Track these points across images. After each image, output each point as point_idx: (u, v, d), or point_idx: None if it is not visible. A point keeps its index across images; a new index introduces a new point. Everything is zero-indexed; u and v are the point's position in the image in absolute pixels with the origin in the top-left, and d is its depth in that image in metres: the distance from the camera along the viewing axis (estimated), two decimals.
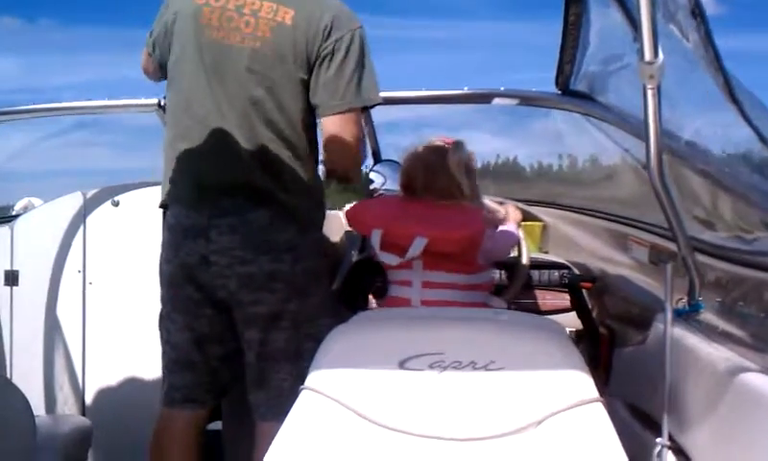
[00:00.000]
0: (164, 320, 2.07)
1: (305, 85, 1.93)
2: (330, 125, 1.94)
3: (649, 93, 1.22)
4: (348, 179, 2.17)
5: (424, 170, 2.09)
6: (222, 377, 2.07)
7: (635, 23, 1.22)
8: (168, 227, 2.03)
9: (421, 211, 2.07)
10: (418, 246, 1.94)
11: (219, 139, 1.92)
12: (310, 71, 1.91)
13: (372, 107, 2.04)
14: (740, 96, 1.25)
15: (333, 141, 1.95)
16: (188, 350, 2.02)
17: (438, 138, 2.19)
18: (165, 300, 2.06)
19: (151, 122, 2.85)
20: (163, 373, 2.10)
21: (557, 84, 2.38)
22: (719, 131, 1.60)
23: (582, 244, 2.73)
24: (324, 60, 1.89)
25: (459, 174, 2.07)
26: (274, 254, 1.90)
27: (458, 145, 2.13)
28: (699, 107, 1.58)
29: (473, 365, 1.35)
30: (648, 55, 1.16)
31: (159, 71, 2.13)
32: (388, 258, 2.01)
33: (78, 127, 3.45)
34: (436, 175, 2.07)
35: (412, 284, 2.02)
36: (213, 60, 1.93)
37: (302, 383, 1.83)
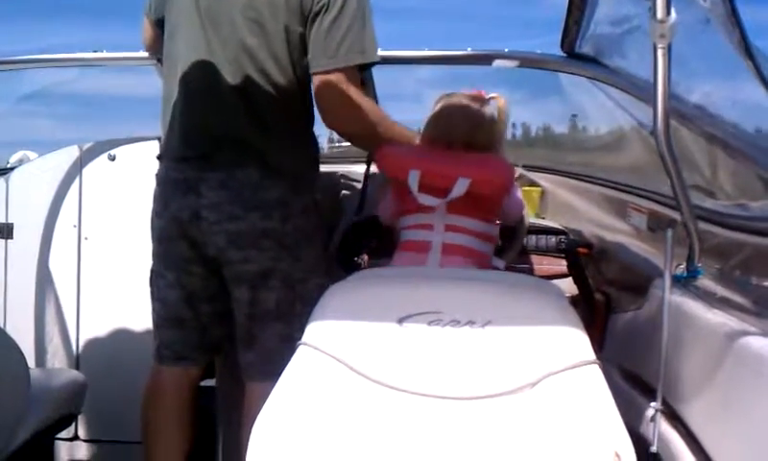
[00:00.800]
0: (154, 276, 2.06)
1: (302, 39, 1.87)
2: (319, 83, 1.87)
3: (659, 53, 1.20)
4: (351, 140, 2.13)
5: (464, 120, 2.03)
6: (212, 336, 2.06)
7: None
8: (158, 180, 2.01)
9: (459, 155, 2.00)
10: (461, 186, 1.87)
11: (211, 89, 1.88)
12: (305, 25, 1.86)
13: (368, 66, 1.96)
14: (756, 54, 1.23)
15: (323, 101, 1.89)
16: (178, 307, 2.01)
17: (473, 90, 2.12)
18: (156, 255, 2.04)
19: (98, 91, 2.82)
20: (154, 329, 2.08)
21: (562, 46, 2.34)
22: (730, 92, 1.57)
23: (580, 210, 2.72)
24: (318, 14, 1.84)
25: (496, 127, 2.05)
26: (263, 211, 1.87)
27: (496, 99, 2.09)
28: (711, 68, 1.55)
29: (471, 324, 1.35)
30: (660, 13, 1.14)
31: (158, 33, 2.10)
32: (427, 200, 1.91)
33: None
34: (476, 126, 2.02)
35: (434, 227, 1.94)
36: (209, 6, 1.89)
37: (292, 344, 1.83)
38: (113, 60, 2.77)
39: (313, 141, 2.02)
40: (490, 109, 2.05)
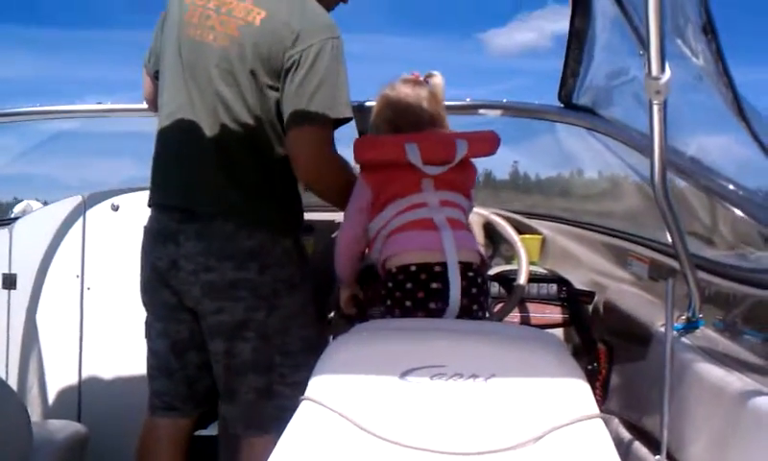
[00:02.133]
0: (147, 326, 2.06)
1: (275, 93, 1.86)
2: (291, 138, 1.86)
3: (655, 109, 1.22)
4: (321, 195, 2.02)
5: (413, 105, 1.98)
6: (201, 386, 2.03)
7: (641, 37, 1.22)
8: (144, 231, 2.02)
9: (437, 129, 1.98)
10: (462, 147, 1.86)
11: (189, 140, 1.90)
12: (279, 79, 1.85)
13: (341, 122, 1.91)
14: (749, 113, 1.25)
15: (295, 156, 1.87)
16: (166, 356, 2.00)
17: (409, 75, 2.07)
18: (144, 305, 2.05)
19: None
20: (147, 380, 2.08)
21: (560, 97, 2.37)
22: (725, 147, 1.60)
23: (581, 258, 2.72)
24: (289, 70, 1.83)
25: (439, 103, 2.02)
26: (238, 261, 1.85)
27: (433, 76, 2.06)
28: (705, 123, 1.58)
29: (474, 378, 1.35)
30: (655, 70, 1.16)
31: (156, 86, 2.12)
32: (436, 170, 1.85)
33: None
34: (423, 108, 1.97)
35: (429, 205, 1.86)
36: (189, 58, 1.92)
37: (272, 396, 1.82)
38: (116, 112, 2.81)
39: (293, 189, 1.99)
40: (428, 88, 2.02)
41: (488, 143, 1.95)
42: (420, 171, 1.83)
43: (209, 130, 1.88)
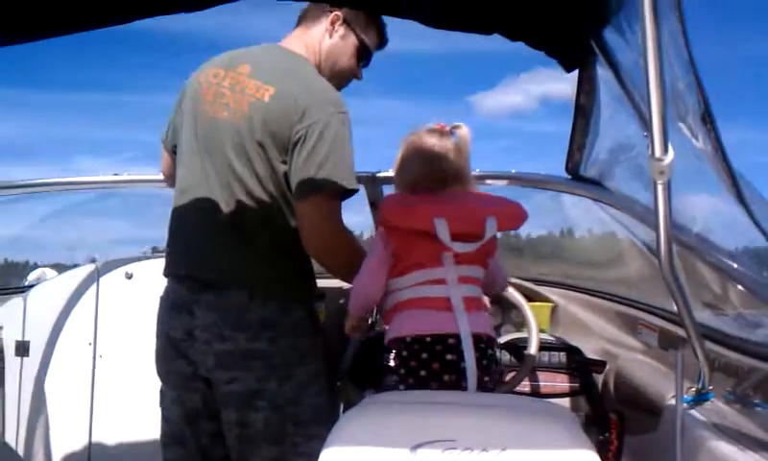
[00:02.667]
0: (161, 395, 2.08)
1: (285, 165, 1.89)
2: (299, 210, 1.89)
3: (659, 188, 1.24)
4: (326, 267, 2.02)
5: (436, 156, 1.94)
6: (214, 457, 2.02)
7: (644, 118, 1.25)
8: (160, 301, 2.06)
9: (464, 195, 1.94)
10: (492, 226, 1.82)
11: (204, 212, 1.94)
12: (287, 153, 1.88)
13: (347, 194, 1.93)
14: (748, 198, 1.28)
15: (302, 227, 1.89)
16: (180, 425, 2.01)
17: (435, 125, 2.02)
18: (159, 374, 2.07)
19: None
20: (161, 448, 2.08)
21: (567, 169, 2.41)
22: (728, 227, 1.62)
23: (591, 326, 2.73)
24: (296, 144, 1.86)
25: (463, 157, 1.97)
26: (250, 331, 1.87)
27: (459, 128, 2.00)
28: (709, 202, 1.61)
29: (485, 452, 1.35)
30: (658, 151, 1.19)
31: (173, 161, 2.18)
32: (463, 247, 1.80)
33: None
34: (445, 160, 1.93)
35: (447, 282, 1.83)
36: (204, 133, 1.98)
37: None
38: (132, 183, 2.86)
39: (305, 260, 2.00)
40: (454, 140, 1.98)
41: (516, 220, 1.94)
42: (446, 247, 1.80)
43: (224, 202, 1.92)
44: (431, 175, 1.92)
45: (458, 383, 1.77)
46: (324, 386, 2.04)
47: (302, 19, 2.13)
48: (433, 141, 1.96)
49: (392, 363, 1.86)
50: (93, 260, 2.88)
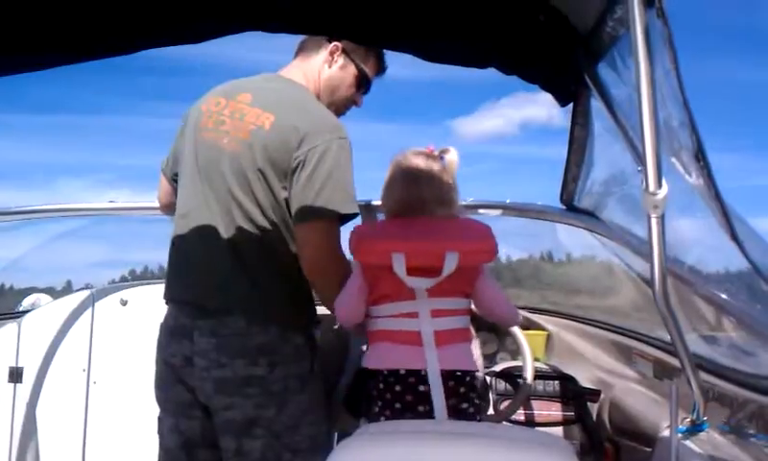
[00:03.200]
0: (159, 421, 2.07)
1: (285, 191, 1.91)
2: (298, 233, 1.91)
3: (653, 221, 1.26)
4: (319, 291, 2.01)
5: (421, 180, 1.92)
6: None
7: (639, 153, 1.27)
8: (160, 328, 2.06)
9: (435, 225, 1.90)
10: (451, 262, 1.75)
11: (204, 238, 1.95)
12: (287, 179, 1.90)
13: (348, 218, 1.94)
14: (740, 233, 1.30)
15: (300, 250, 1.91)
16: (177, 453, 2.00)
17: (424, 148, 2.01)
18: (157, 401, 2.06)
19: None
20: None
21: (561, 199, 2.43)
22: (721, 260, 1.64)
23: (586, 355, 2.73)
24: (295, 169, 1.88)
25: (451, 181, 1.96)
26: (249, 358, 1.88)
27: (447, 152, 1.99)
28: (702, 236, 1.63)
29: None
30: (652, 186, 1.21)
31: (171, 190, 2.20)
32: (417, 283, 1.78)
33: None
34: (432, 184, 1.92)
35: (419, 316, 1.81)
36: (204, 160, 2.00)
37: None
38: (128, 210, 2.87)
39: (305, 286, 2.00)
40: (441, 164, 1.97)
41: (482, 255, 1.87)
42: (435, 279, 1.77)
43: (224, 229, 1.93)
44: (409, 199, 1.92)
45: (432, 414, 1.78)
46: (322, 414, 2.04)
47: (302, 49, 2.16)
48: (417, 163, 1.96)
49: (373, 393, 1.87)
50: (88, 286, 2.88)
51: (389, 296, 1.85)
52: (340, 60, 2.12)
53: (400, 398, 1.80)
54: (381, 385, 1.84)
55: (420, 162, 1.96)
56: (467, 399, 1.84)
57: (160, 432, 2.06)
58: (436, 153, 2.00)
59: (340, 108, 2.15)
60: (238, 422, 1.89)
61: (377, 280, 1.85)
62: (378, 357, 1.86)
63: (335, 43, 2.10)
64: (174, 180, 2.16)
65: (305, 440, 1.93)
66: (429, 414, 1.77)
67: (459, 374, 1.83)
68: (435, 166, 1.95)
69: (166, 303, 2.07)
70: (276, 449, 1.90)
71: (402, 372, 1.81)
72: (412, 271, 1.77)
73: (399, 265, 1.76)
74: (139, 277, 3.46)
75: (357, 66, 2.13)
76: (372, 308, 1.89)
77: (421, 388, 1.79)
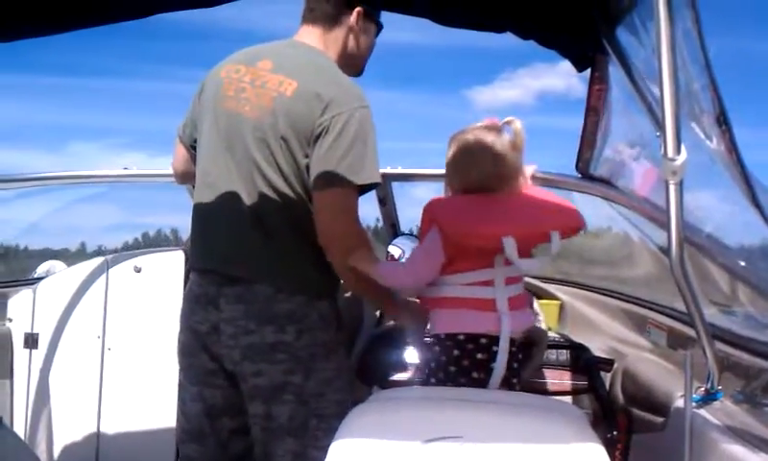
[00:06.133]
0: (180, 389, 2.08)
1: (307, 159, 1.89)
2: (315, 201, 1.89)
3: (671, 188, 1.24)
4: (332, 258, 1.94)
5: (491, 156, 1.88)
6: (232, 452, 2.03)
7: (657, 119, 1.25)
8: (184, 296, 2.07)
9: (527, 202, 1.90)
10: (556, 241, 1.80)
11: (228, 206, 1.94)
12: (309, 146, 1.88)
13: (368, 188, 1.93)
14: (763, 201, 1.28)
15: (317, 218, 1.89)
16: (199, 421, 2.01)
17: (485, 121, 1.97)
18: (180, 369, 2.07)
19: None
20: (177, 443, 2.08)
21: (577, 168, 2.40)
22: (740, 228, 1.62)
23: (599, 324, 2.72)
24: (318, 136, 1.86)
25: (518, 153, 1.91)
26: (276, 324, 1.88)
27: (511, 123, 1.95)
28: (721, 203, 1.61)
29: (493, 449, 1.35)
30: (671, 151, 1.19)
31: (187, 157, 2.18)
32: (528, 264, 1.81)
33: None
34: (502, 158, 1.88)
35: (494, 283, 1.83)
36: (226, 129, 1.97)
37: None
38: (144, 178, 2.88)
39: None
40: (508, 136, 1.93)
41: (574, 231, 1.89)
42: (512, 263, 1.78)
43: (247, 197, 1.92)
44: (489, 177, 1.88)
45: (485, 382, 1.80)
46: (347, 381, 2.04)
47: (316, 17, 2.07)
48: (490, 140, 1.91)
49: (442, 358, 1.86)
50: (101, 249, 2.90)
51: (471, 267, 1.85)
52: (362, 25, 2.07)
53: (457, 362, 1.82)
54: (437, 348, 1.86)
55: (491, 138, 1.91)
56: (517, 374, 1.88)
57: (182, 399, 2.07)
58: (500, 124, 1.95)
59: (360, 64, 2.14)
60: (267, 387, 1.90)
61: (461, 255, 1.84)
62: (450, 320, 1.87)
63: (357, 9, 2.05)
64: (192, 147, 2.14)
65: (331, 406, 1.94)
66: (483, 381, 1.80)
67: (514, 349, 1.84)
68: (505, 140, 1.92)
69: (191, 270, 2.07)
70: (304, 415, 1.91)
71: (461, 337, 1.82)
72: (521, 253, 1.76)
73: (511, 249, 1.75)
74: (152, 241, 3.48)
75: (377, 23, 2.12)
76: (446, 278, 1.88)
77: (479, 356, 1.81)
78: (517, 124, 1.93)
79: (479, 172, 1.89)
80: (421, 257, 1.91)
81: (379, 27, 2.15)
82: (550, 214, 1.89)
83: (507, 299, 1.83)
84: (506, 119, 1.95)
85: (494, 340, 1.81)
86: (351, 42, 2.07)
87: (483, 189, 1.89)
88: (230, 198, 1.94)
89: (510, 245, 1.75)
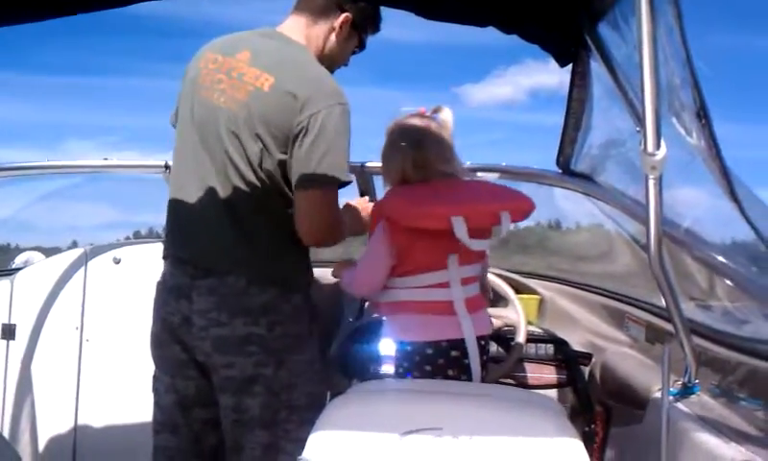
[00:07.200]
0: (154, 380, 2.07)
1: (282, 155, 1.88)
2: (299, 201, 1.89)
3: (651, 183, 1.25)
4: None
5: (432, 142, 1.91)
6: (206, 443, 2.03)
7: (638, 114, 1.26)
8: (157, 286, 2.05)
9: (472, 187, 1.94)
10: (506, 222, 1.80)
11: (201, 198, 1.94)
12: (286, 144, 1.87)
13: (340, 186, 1.92)
14: (741, 195, 1.29)
15: (301, 219, 1.90)
16: (172, 412, 2.01)
17: (416, 110, 2.01)
18: (153, 359, 2.06)
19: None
20: (152, 435, 2.07)
21: (558, 163, 2.41)
22: (718, 223, 1.63)
23: (579, 319, 2.74)
24: (298, 135, 1.85)
25: (448, 138, 1.95)
26: (249, 317, 1.88)
27: (439, 111, 1.99)
28: (699, 198, 1.62)
29: (471, 441, 1.36)
30: (651, 146, 1.20)
31: None
32: (479, 245, 1.81)
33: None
34: (435, 144, 1.91)
35: (450, 284, 1.84)
36: (200, 119, 1.97)
37: (276, 454, 1.82)
38: (121, 168, 2.85)
39: (302, 247, 2.00)
40: (438, 122, 1.97)
41: (524, 214, 1.91)
42: (452, 248, 1.80)
43: (220, 188, 1.92)
44: (414, 162, 1.91)
45: (460, 378, 1.84)
46: (319, 373, 2.04)
47: (303, 9, 2.07)
48: (416, 124, 1.94)
49: (404, 364, 1.89)
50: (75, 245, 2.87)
51: (427, 267, 1.86)
52: (346, 31, 2.07)
53: (431, 361, 1.85)
54: (409, 348, 1.87)
55: (418, 123, 1.95)
56: (485, 368, 1.91)
57: (156, 390, 2.06)
58: (428, 113, 1.99)
59: (331, 68, 2.12)
60: (238, 380, 1.90)
61: (411, 249, 1.86)
62: (408, 329, 1.89)
63: (346, 14, 2.04)
64: None
65: (302, 397, 1.94)
66: (458, 379, 1.84)
67: (482, 344, 1.88)
68: (433, 125, 1.94)
69: (164, 259, 2.06)
70: (274, 407, 1.91)
71: (444, 344, 1.84)
72: (470, 233, 1.76)
73: (460, 228, 1.75)
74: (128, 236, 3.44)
75: (360, 38, 2.11)
76: (397, 280, 1.90)
77: (453, 353, 1.84)
78: (445, 111, 1.98)
79: (403, 159, 1.92)
80: (367, 264, 1.94)
81: (361, 46, 2.13)
82: (499, 196, 1.92)
83: (464, 300, 1.85)
84: (433, 107, 1.99)
85: (455, 344, 1.84)
86: (331, 43, 2.06)
87: (417, 177, 1.91)
88: (204, 189, 1.93)
89: (459, 224, 1.74)
